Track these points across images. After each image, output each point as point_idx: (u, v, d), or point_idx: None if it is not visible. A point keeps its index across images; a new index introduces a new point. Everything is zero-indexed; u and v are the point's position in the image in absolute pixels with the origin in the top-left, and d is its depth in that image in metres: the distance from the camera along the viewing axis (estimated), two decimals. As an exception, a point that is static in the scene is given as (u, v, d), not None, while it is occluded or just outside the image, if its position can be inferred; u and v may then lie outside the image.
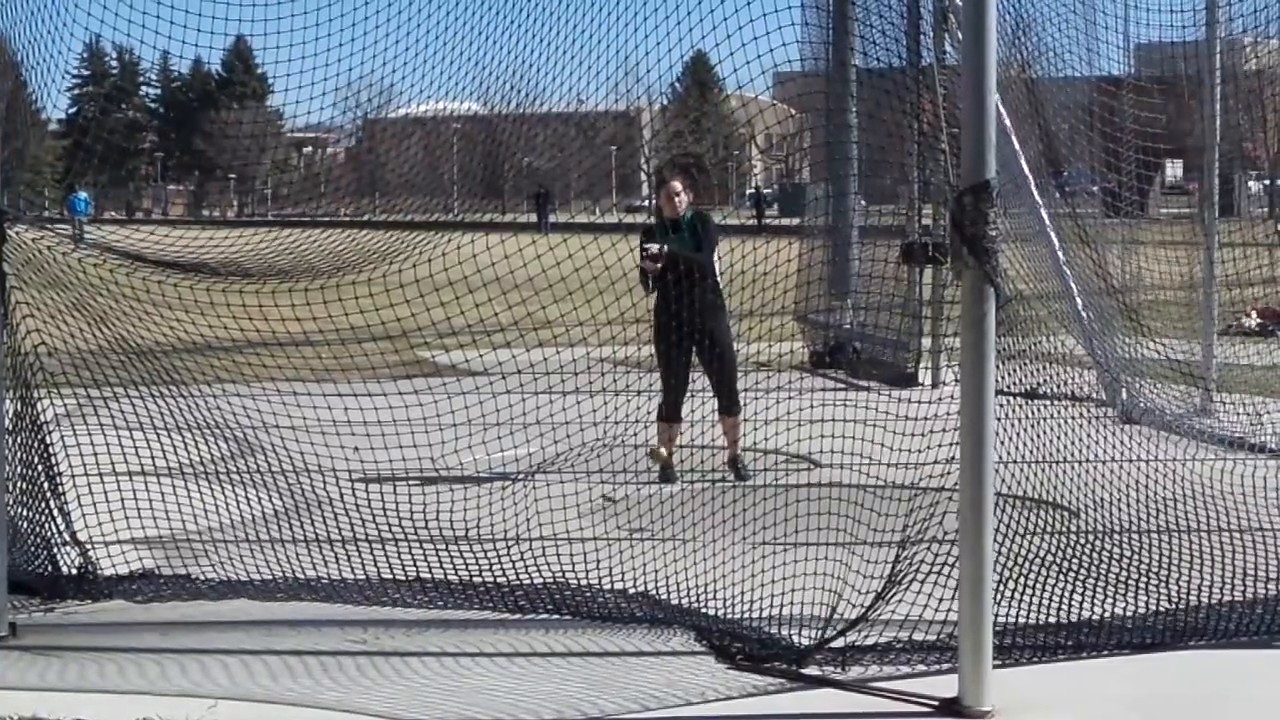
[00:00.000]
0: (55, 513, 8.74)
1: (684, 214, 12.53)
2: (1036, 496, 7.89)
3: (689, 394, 12.46)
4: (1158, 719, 6.89)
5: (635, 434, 11.90)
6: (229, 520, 9.46)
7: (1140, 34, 14.84)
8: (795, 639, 7.48)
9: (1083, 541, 8.17)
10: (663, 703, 6.92)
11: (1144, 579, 8.14)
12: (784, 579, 7.89)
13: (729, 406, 12.37)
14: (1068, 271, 13.02)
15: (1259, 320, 21.28)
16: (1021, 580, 7.60)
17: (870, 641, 7.38)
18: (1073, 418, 8.53)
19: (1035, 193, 13.22)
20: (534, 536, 9.06)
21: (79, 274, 8.84)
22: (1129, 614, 7.89)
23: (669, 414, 12.43)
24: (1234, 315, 20.14)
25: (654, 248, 12.09)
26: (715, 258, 12.35)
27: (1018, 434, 7.71)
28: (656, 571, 8.44)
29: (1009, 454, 7.57)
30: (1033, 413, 7.83)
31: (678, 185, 12.66)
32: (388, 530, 8.89)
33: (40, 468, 8.69)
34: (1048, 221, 13.36)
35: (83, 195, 35.47)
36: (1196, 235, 15.89)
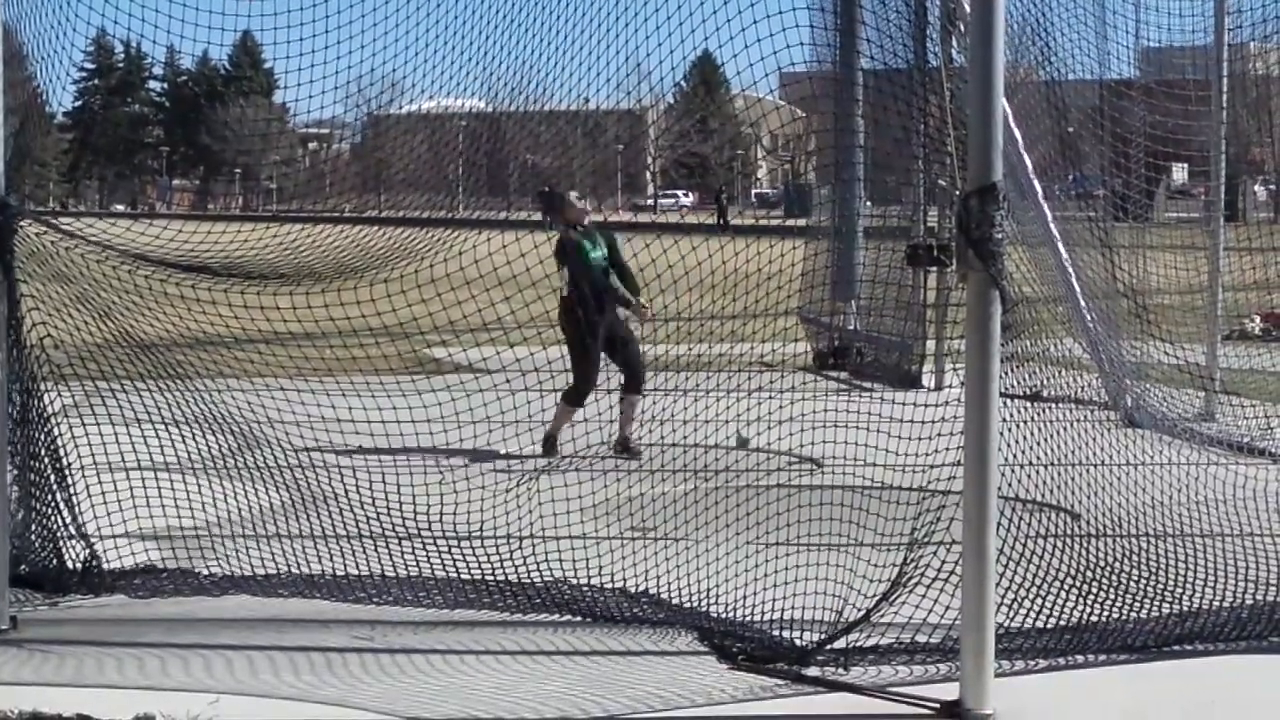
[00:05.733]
0: (61, 505, 8.73)
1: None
2: (1039, 499, 7.88)
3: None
4: (1159, 723, 6.90)
5: (642, 434, 11.89)
6: (232, 515, 9.45)
7: (1149, 38, 14.83)
8: (797, 640, 7.48)
9: (1084, 545, 8.16)
10: (667, 703, 6.92)
11: (1145, 583, 8.13)
12: (787, 580, 7.89)
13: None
14: (1072, 274, 13.01)
15: (1263, 325, 21.30)
16: (1024, 583, 7.60)
17: (872, 643, 7.38)
18: (1076, 421, 8.52)
19: (1041, 195, 13.22)
20: (539, 536, 9.05)
21: (83, 268, 8.83)
22: (1130, 617, 7.88)
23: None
24: (1238, 320, 20.16)
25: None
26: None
27: (1021, 437, 7.70)
28: (661, 572, 8.44)
29: (1012, 456, 7.57)
30: (1036, 415, 7.82)
31: (576, 194, 13.69)
32: (393, 527, 8.88)
33: (46, 460, 8.68)
34: (1052, 224, 13.35)
35: None
36: (1202, 239, 15.90)
